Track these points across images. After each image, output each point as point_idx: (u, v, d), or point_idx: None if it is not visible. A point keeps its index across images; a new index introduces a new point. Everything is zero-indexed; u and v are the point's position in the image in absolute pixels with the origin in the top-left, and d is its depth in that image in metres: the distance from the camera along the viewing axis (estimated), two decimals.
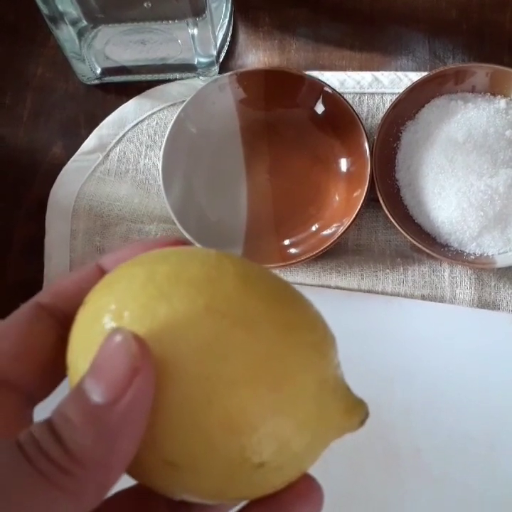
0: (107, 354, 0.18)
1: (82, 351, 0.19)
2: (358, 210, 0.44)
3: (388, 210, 0.44)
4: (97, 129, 0.50)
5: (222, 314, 0.18)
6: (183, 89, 0.50)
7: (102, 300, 0.20)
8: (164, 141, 0.46)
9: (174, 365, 0.18)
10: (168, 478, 0.19)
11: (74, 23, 0.46)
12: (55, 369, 0.21)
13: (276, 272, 0.46)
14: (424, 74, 0.47)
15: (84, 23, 0.46)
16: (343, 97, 0.46)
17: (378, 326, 0.45)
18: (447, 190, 0.45)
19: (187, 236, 0.45)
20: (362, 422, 0.21)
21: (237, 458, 0.18)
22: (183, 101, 0.47)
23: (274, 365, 0.18)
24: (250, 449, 0.18)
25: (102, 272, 0.22)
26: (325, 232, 0.46)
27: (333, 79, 0.50)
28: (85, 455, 0.17)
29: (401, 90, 0.47)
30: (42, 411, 0.20)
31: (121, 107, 0.50)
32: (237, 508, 0.21)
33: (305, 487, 0.21)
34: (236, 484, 0.19)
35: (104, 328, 0.19)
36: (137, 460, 0.18)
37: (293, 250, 0.46)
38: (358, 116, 0.46)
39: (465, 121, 0.45)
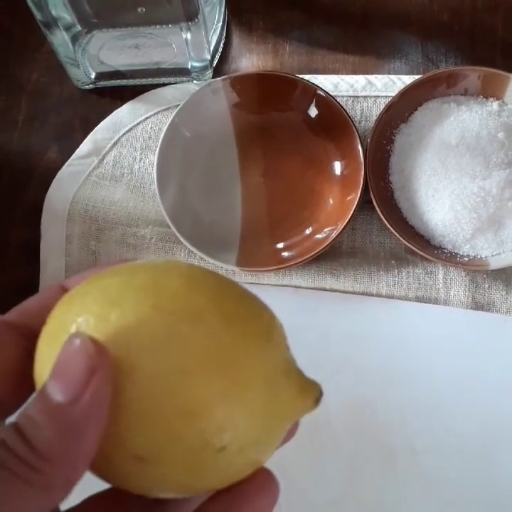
0: (67, 357, 0.19)
1: (46, 364, 0.20)
2: (351, 213, 0.44)
3: (382, 213, 0.44)
4: (91, 133, 0.50)
5: (168, 312, 0.20)
6: (177, 93, 0.51)
7: (61, 316, 0.21)
8: (159, 145, 0.46)
9: (129, 363, 0.19)
10: (137, 474, 0.20)
11: (68, 28, 0.46)
12: (24, 383, 0.22)
13: (272, 274, 0.46)
14: (417, 77, 0.47)
15: (79, 28, 0.46)
16: (336, 101, 0.46)
17: (373, 328, 0.45)
18: (441, 193, 0.45)
19: (182, 239, 0.45)
20: (316, 402, 0.22)
21: (198, 443, 0.19)
22: (178, 105, 0.48)
23: (220, 353, 0.20)
24: (209, 432, 0.19)
25: (65, 291, 0.24)
26: (319, 235, 0.46)
27: (326, 82, 0.50)
28: (51, 452, 0.18)
29: (394, 93, 0.47)
30: None
31: (115, 112, 0.50)
32: (204, 498, 0.22)
33: (262, 479, 0.22)
34: (202, 471, 0.20)
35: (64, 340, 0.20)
36: (107, 460, 0.20)
37: (287, 253, 0.46)
38: (351, 119, 0.46)
39: (458, 124, 0.46)
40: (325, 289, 0.46)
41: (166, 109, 0.50)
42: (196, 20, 0.45)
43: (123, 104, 0.51)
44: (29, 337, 0.23)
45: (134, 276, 0.21)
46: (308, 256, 0.44)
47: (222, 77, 0.47)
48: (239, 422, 0.20)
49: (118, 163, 0.49)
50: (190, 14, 0.44)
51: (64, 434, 0.18)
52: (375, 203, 0.45)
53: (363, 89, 0.50)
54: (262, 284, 0.46)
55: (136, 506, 0.23)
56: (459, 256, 0.45)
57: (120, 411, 0.19)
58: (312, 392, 0.22)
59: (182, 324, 0.20)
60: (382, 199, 0.46)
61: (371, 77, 0.50)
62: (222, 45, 0.52)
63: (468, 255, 0.45)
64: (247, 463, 0.21)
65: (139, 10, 0.44)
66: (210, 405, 0.19)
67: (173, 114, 0.46)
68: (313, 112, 0.48)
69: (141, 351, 0.19)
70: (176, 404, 0.19)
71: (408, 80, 0.49)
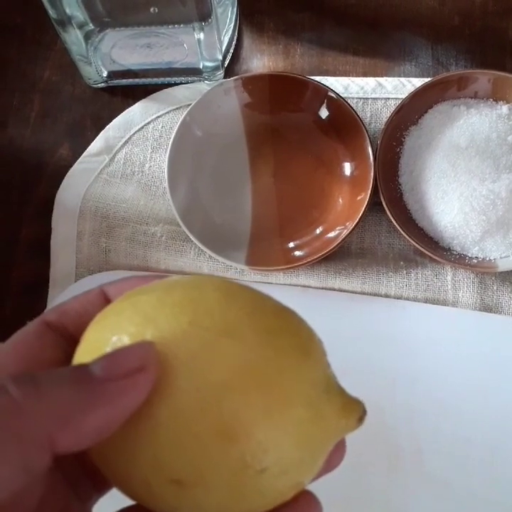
0: (123, 349, 0.19)
1: None
2: (361, 213, 0.45)
3: (391, 214, 0.45)
4: (103, 131, 0.50)
5: (205, 327, 0.19)
6: (188, 92, 0.51)
7: (96, 335, 0.21)
8: (170, 144, 0.46)
9: (166, 381, 0.18)
10: (176, 498, 0.19)
11: (81, 26, 0.46)
12: None
13: (280, 274, 0.46)
14: (427, 80, 0.47)
15: (91, 26, 0.46)
16: (347, 102, 0.47)
17: (381, 329, 0.45)
18: (450, 195, 0.45)
19: (192, 238, 0.45)
20: (360, 420, 0.21)
21: (238, 465, 0.18)
22: (189, 104, 0.48)
23: (260, 369, 0.19)
24: (249, 454, 0.18)
25: (105, 297, 0.24)
26: (329, 235, 0.46)
27: (337, 84, 0.50)
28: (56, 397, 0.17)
29: (404, 96, 0.47)
30: None
31: (127, 110, 0.51)
32: None
33: (305, 502, 0.21)
34: (242, 494, 0.19)
35: None
36: (145, 484, 0.19)
37: (297, 253, 0.47)
38: (361, 121, 0.46)
39: (468, 127, 0.46)
40: (333, 289, 0.47)
41: (177, 108, 0.50)
42: (209, 20, 0.45)
43: (134, 102, 0.51)
44: (67, 338, 0.23)
45: (169, 293, 0.21)
46: (318, 256, 0.44)
47: (234, 77, 0.48)
48: (280, 442, 0.19)
49: (129, 161, 0.50)
50: (203, 15, 0.45)
51: (80, 398, 0.17)
52: (384, 204, 0.45)
53: (373, 92, 0.50)
54: (271, 284, 0.47)
55: None
56: (467, 258, 0.46)
57: (156, 432, 0.18)
58: (355, 411, 0.21)
59: (219, 339, 0.19)
60: (392, 200, 0.46)
61: (381, 80, 0.50)
62: (233, 46, 0.52)
63: (477, 257, 0.46)
64: (289, 485, 0.20)
65: (152, 10, 0.45)
66: (250, 424, 0.18)
67: (185, 113, 0.47)
68: (323, 113, 0.48)
69: (176, 369, 0.18)
70: (212, 423, 0.18)
71: (418, 82, 0.49)
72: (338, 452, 0.22)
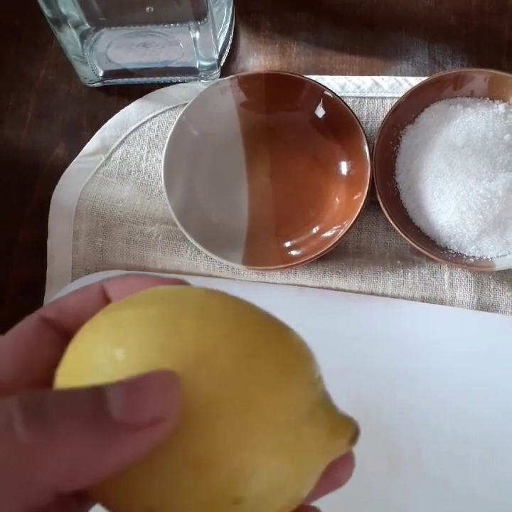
0: (147, 383, 0.17)
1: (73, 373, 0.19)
2: (358, 212, 0.45)
3: (388, 213, 0.45)
4: (99, 131, 0.50)
5: (176, 353, 0.18)
6: (184, 92, 0.51)
7: (76, 354, 0.20)
8: (166, 144, 0.46)
9: None
10: None
11: (77, 26, 0.46)
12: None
13: (277, 273, 0.46)
14: (424, 79, 0.47)
15: (87, 26, 0.46)
16: (343, 101, 0.47)
17: (378, 328, 0.45)
18: (446, 194, 0.45)
19: (188, 237, 0.45)
20: (352, 441, 0.20)
21: (210, 496, 0.18)
22: (185, 104, 0.48)
23: (233, 398, 0.18)
24: (221, 484, 0.18)
25: (105, 295, 0.23)
26: (325, 235, 0.46)
27: (333, 83, 0.50)
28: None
29: (401, 95, 0.47)
30: None
31: (123, 110, 0.51)
32: None
33: None
34: None
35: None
36: (120, 508, 0.18)
37: (294, 252, 0.47)
38: (358, 120, 0.46)
39: (464, 126, 0.46)
40: (330, 289, 0.47)
41: (173, 107, 0.50)
42: (205, 19, 0.45)
43: (130, 102, 0.51)
44: (65, 337, 0.22)
45: (147, 309, 0.20)
46: (315, 255, 0.44)
47: (230, 76, 0.47)
48: (256, 472, 0.18)
49: (125, 160, 0.50)
50: (198, 14, 0.45)
51: (95, 449, 0.16)
52: (381, 203, 0.45)
53: (370, 91, 0.50)
54: (268, 283, 0.47)
55: None
56: (464, 257, 0.46)
57: None
58: (346, 432, 0.20)
59: (190, 366, 0.18)
60: (389, 199, 0.46)
61: (378, 79, 0.50)
62: (229, 45, 0.52)
63: (473, 256, 0.46)
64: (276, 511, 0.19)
65: (148, 9, 0.45)
66: (222, 454, 0.18)
67: (181, 112, 0.47)
68: (320, 112, 0.48)
69: None
70: (185, 454, 0.17)
71: (415, 81, 0.49)
72: (345, 468, 0.21)
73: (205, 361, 0.18)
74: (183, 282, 0.23)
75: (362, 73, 0.51)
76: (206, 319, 0.19)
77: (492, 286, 0.46)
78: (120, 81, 0.51)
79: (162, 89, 0.51)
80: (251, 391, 0.18)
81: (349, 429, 0.20)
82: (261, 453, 0.18)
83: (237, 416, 0.18)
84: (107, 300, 0.23)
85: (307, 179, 0.48)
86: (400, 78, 0.50)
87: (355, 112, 0.47)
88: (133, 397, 0.17)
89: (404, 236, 0.44)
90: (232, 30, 0.52)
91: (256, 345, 0.19)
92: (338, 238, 0.45)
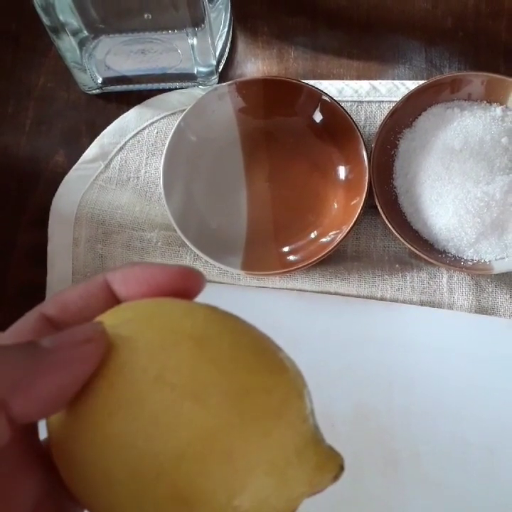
0: (74, 328, 0.19)
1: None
2: (356, 217, 0.45)
3: (386, 217, 0.45)
4: (98, 137, 0.50)
5: (171, 386, 0.18)
6: (183, 98, 0.51)
7: None
8: (165, 150, 0.46)
9: (125, 440, 0.18)
10: None
11: (75, 33, 0.46)
12: None
13: (276, 278, 0.47)
14: (421, 82, 0.47)
15: (85, 33, 0.46)
16: (340, 106, 0.47)
17: (377, 332, 0.46)
18: (444, 198, 0.45)
19: (188, 243, 0.45)
20: (335, 478, 0.20)
21: None
22: (183, 110, 0.48)
23: (221, 437, 0.18)
24: None
25: (108, 288, 0.22)
26: (324, 239, 0.47)
27: (331, 87, 0.50)
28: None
29: (398, 98, 0.47)
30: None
31: (122, 116, 0.51)
32: None
33: None
34: None
35: None
36: None
37: (292, 257, 0.47)
38: (355, 124, 0.46)
39: (461, 129, 0.46)
40: (329, 293, 0.47)
41: (172, 113, 0.51)
42: (202, 25, 0.45)
43: (129, 109, 0.51)
44: None
45: (147, 327, 0.20)
46: (313, 260, 0.45)
47: (228, 82, 0.48)
48: (240, 507, 0.18)
49: (124, 167, 0.50)
50: (196, 20, 0.45)
51: (28, 364, 0.18)
52: (379, 207, 0.45)
53: (367, 95, 0.50)
54: (267, 288, 0.47)
55: None
56: (462, 260, 0.46)
57: (114, 490, 0.18)
58: (331, 469, 0.20)
59: (184, 401, 0.18)
60: (387, 203, 0.46)
61: (375, 83, 0.51)
62: (227, 51, 0.52)
63: (472, 259, 0.46)
64: None
65: (146, 16, 0.45)
66: (204, 494, 0.18)
67: (180, 118, 0.47)
68: (318, 117, 0.48)
69: (137, 430, 0.18)
70: (166, 488, 0.18)
71: (412, 85, 0.50)
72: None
73: (197, 400, 0.18)
74: (188, 272, 0.22)
75: (359, 77, 0.52)
76: (202, 350, 0.19)
77: (490, 289, 0.46)
78: (119, 88, 0.52)
79: (160, 96, 0.51)
80: (240, 433, 0.18)
81: (334, 468, 0.20)
82: (246, 493, 0.18)
83: (224, 457, 0.18)
84: (112, 295, 0.22)
85: (305, 184, 0.49)
86: (397, 82, 0.51)
87: (352, 116, 0.47)
88: (58, 334, 0.19)
89: (402, 240, 0.44)
90: (230, 36, 0.52)
91: (252, 381, 0.19)
92: (336, 243, 0.45)
